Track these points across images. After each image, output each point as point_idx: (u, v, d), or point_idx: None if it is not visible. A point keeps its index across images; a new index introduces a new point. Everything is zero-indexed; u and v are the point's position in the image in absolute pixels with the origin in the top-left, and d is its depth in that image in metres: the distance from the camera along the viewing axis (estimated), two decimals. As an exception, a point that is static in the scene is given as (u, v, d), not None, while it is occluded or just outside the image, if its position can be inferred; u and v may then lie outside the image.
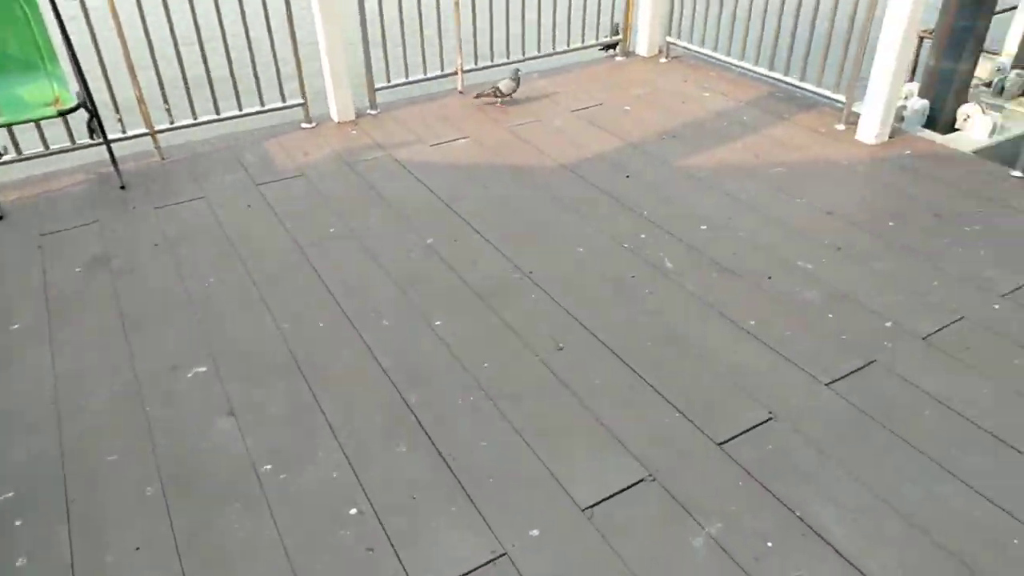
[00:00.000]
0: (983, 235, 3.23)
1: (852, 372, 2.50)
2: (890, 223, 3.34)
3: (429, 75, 4.69)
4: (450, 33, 4.55)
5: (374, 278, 3.02)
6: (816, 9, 4.16)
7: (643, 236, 3.29)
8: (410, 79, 4.64)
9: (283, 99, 4.28)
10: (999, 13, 4.66)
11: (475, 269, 3.07)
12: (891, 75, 3.82)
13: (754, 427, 2.30)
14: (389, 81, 4.56)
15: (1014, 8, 5.09)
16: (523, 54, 4.97)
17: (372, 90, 4.50)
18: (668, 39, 5.25)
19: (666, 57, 5.30)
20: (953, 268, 3.02)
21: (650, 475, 2.14)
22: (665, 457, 2.20)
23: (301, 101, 4.31)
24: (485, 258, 3.15)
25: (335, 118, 4.43)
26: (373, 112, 4.53)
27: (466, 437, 2.27)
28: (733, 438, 2.26)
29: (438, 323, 2.76)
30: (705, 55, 5.05)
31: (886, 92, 3.87)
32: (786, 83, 4.53)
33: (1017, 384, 2.44)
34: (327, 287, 2.96)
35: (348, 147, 4.14)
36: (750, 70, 4.74)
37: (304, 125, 4.37)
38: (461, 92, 4.81)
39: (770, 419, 2.33)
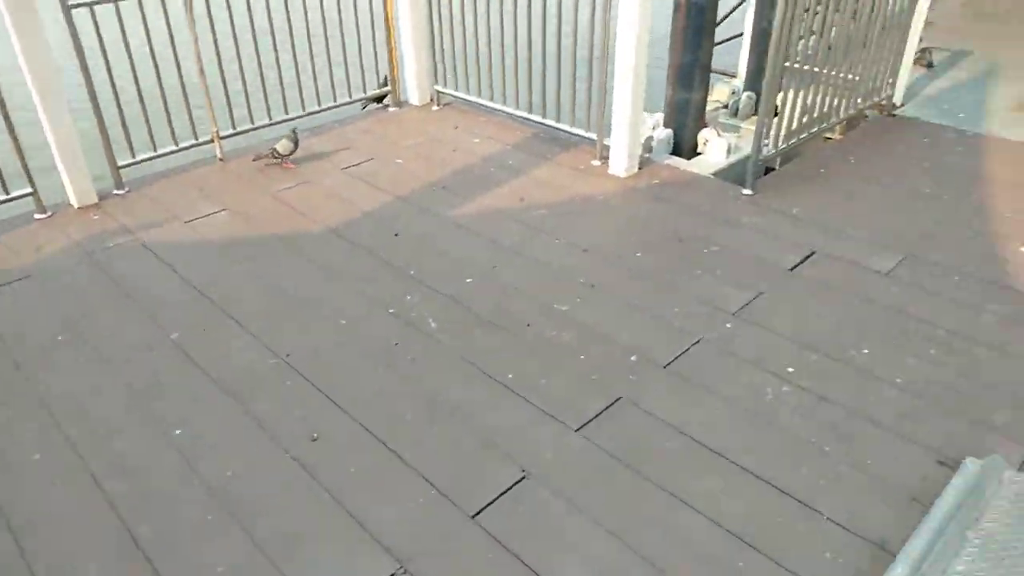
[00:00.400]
0: (719, 255, 3.51)
1: (600, 413, 2.59)
2: (638, 254, 3.54)
3: (181, 145, 4.41)
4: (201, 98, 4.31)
5: (106, 389, 2.73)
6: (558, 54, 4.37)
7: (409, 297, 3.25)
8: (159, 152, 4.33)
9: (5, 191, 3.82)
10: (720, 44, 5.17)
11: (226, 361, 2.87)
12: (628, 111, 4.09)
13: (508, 490, 2.30)
14: (134, 156, 4.23)
15: (736, 37, 5.68)
16: (286, 112, 4.82)
17: (115, 168, 4.15)
18: (437, 88, 5.32)
19: (438, 105, 5.37)
20: (693, 291, 3.25)
21: (401, 568, 2.06)
22: (418, 543, 2.14)
23: (29, 190, 3.87)
24: (238, 347, 2.96)
25: (74, 203, 4.02)
26: (120, 192, 4.17)
27: (201, 566, 2.08)
28: (487, 507, 2.24)
29: (179, 432, 2.54)
30: (474, 102, 5.16)
31: (627, 127, 4.14)
32: (547, 125, 4.72)
33: (745, 400, 2.64)
34: (48, 409, 2.63)
35: (89, 235, 3.77)
36: (515, 114, 4.90)
37: (38, 216, 3.93)
38: (222, 160, 4.57)
39: (524, 478, 2.34)
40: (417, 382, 2.76)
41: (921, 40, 5.99)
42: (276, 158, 4.48)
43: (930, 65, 5.91)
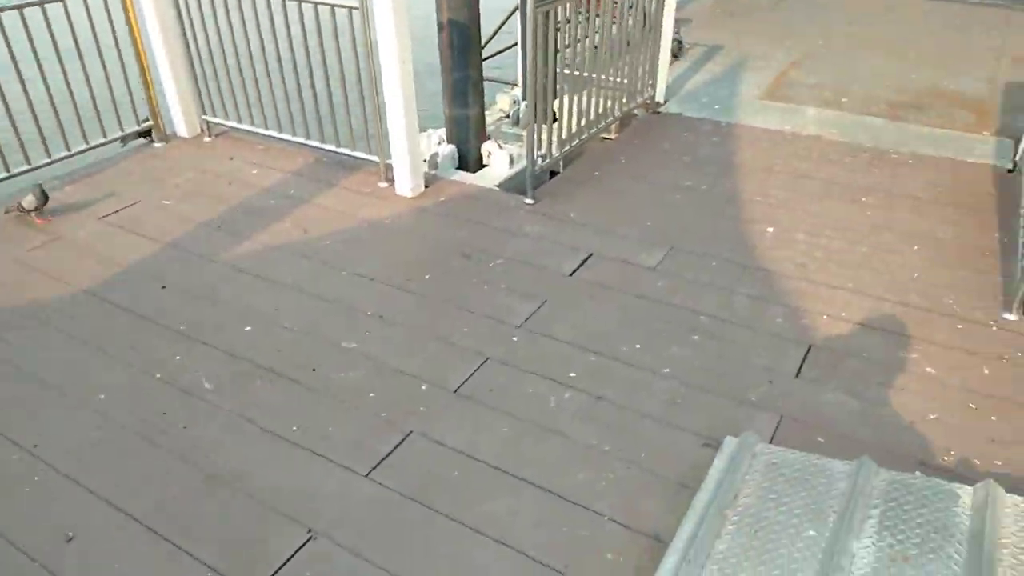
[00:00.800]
0: (504, 268, 3.58)
1: (390, 453, 2.54)
2: (427, 276, 3.53)
3: None
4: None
5: None
6: (326, 77, 4.24)
7: (179, 358, 3.00)
8: None
9: None
10: (488, 58, 5.30)
11: (-45, 466, 2.49)
12: (404, 131, 4.06)
13: (292, 556, 2.18)
14: None
15: (512, 47, 5.87)
16: (28, 163, 4.28)
17: None
18: (206, 118, 4.98)
19: (210, 136, 5.03)
20: (480, 309, 3.28)
21: (172, 669, 1.89)
22: (193, 636, 1.97)
23: None
24: (-30, 446, 2.57)
25: None
26: None
27: None
28: (270, 579, 2.12)
29: None
30: (250, 130, 4.88)
31: (406, 147, 4.11)
32: (328, 150, 4.58)
33: (531, 413, 2.70)
34: None
35: None
36: (294, 140, 4.70)
37: None
38: (-51, 223, 3.98)
39: (310, 539, 2.23)
40: (190, 453, 2.55)
41: (678, 32, 6.54)
42: (22, 212, 3.97)
43: (675, 56, 6.44)
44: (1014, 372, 2.81)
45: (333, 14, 4.04)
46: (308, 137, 4.60)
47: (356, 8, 3.93)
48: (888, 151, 4.69)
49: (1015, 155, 4.59)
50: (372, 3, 3.82)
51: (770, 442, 2.54)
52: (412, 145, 4.14)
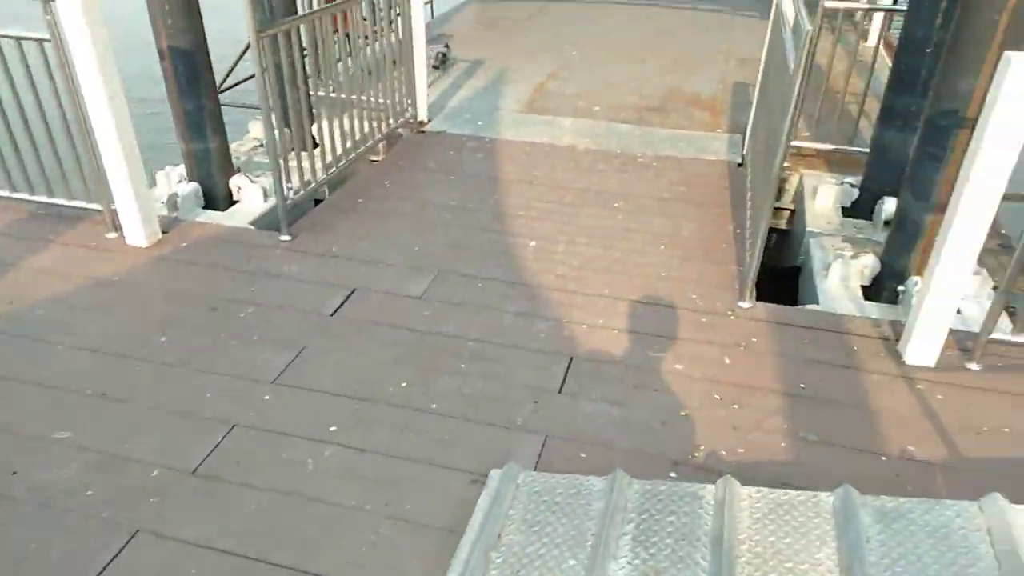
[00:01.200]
0: (256, 316, 3.26)
1: (110, 562, 2.14)
2: (163, 338, 3.10)
3: None
4: None
5: None
6: (23, 118, 3.64)
7: None
8: None
9: None
10: (224, 91, 4.91)
11: None
12: (126, 174, 3.59)
13: None
14: None
15: (241, 82, 5.51)
16: None
17: None
18: None
19: None
20: (227, 368, 2.93)
21: None
22: None
23: None
24: None
25: None
26: None
27: None
28: None
29: None
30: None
31: (130, 189, 3.63)
32: (41, 201, 3.93)
33: (284, 481, 2.42)
34: None
35: None
36: (-4, 193, 4.00)
37: None
38: None
39: None
40: None
41: (447, 46, 6.57)
42: None
43: (439, 67, 6.54)
44: (749, 358, 3.03)
45: (20, 47, 3.47)
46: (13, 189, 3.93)
47: (47, 40, 3.40)
48: (636, 156, 4.97)
49: (743, 149, 5.07)
50: (65, 34, 3.31)
51: (535, 466, 2.50)
52: (138, 188, 3.66)
